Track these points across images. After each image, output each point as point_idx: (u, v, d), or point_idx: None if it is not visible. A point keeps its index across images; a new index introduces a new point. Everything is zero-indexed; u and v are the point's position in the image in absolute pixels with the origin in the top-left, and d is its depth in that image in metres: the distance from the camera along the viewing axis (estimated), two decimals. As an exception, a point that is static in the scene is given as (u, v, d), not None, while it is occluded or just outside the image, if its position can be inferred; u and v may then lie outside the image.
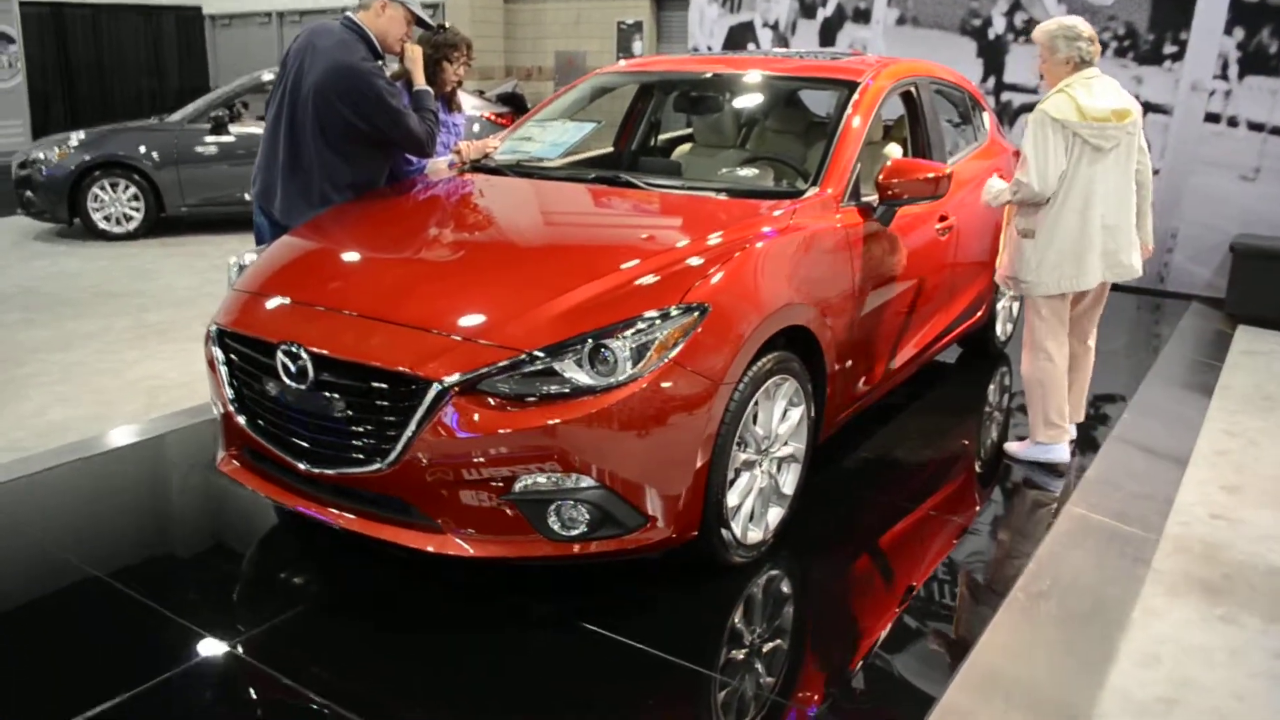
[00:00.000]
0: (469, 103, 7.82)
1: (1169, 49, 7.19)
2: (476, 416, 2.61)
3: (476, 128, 8.87)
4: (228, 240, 8.81)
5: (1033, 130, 3.70)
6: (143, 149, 8.97)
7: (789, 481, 3.26)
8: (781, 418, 3.15)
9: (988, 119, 5.18)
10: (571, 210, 3.72)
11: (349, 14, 3.96)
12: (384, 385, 2.70)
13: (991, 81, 7.86)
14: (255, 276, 3.24)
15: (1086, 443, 4.28)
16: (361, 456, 2.76)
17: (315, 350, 2.77)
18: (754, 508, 3.10)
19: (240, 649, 2.68)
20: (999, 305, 5.25)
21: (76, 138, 9.09)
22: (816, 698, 2.59)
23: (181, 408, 4.62)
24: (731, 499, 2.96)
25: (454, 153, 4.25)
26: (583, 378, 2.65)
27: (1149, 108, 3.83)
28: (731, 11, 9.09)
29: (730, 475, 2.93)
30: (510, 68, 15.10)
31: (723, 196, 3.54)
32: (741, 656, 2.76)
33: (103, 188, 8.89)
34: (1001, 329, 5.37)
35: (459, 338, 2.71)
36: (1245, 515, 3.80)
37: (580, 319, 2.72)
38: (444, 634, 2.79)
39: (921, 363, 4.41)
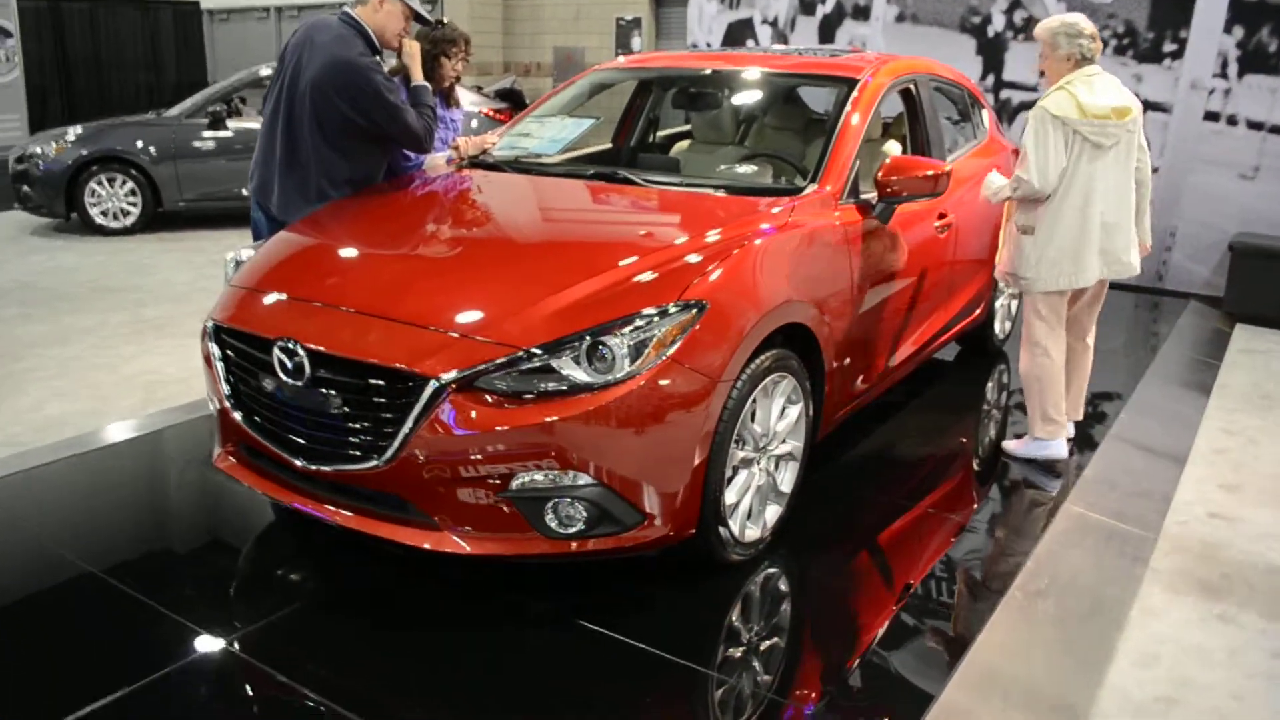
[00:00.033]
0: (467, 98, 7.80)
1: (1168, 47, 7.18)
2: (474, 414, 2.60)
3: (475, 123, 8.85)
4: (225, 235, 8.79)
5: (1033, 127, 3.70)
6: (140, 144, 8.95)
7: (787, 479, 3.25)
8: (780, 415, 3.14)
9: (987, 116, 5.17)
10: (569, 207, 3.71)
11: (347, 9, 3.95)
12: (381, 382, 2.69)
13: (991, 79, 7.85)
14: (252, 272, 3.23)
15: (1084, 441, 4.27)
16: (358, 453, 2.75)
17: (312, 346, 2.76)
18: (752, 505, 3.09)
19: (236, 646, 2.67)
20: (997, 303, 5.24)
21: (74, 132, 9.07)
22: (814, 696, 2.59)
23: (178, 403, 4.61)
24: (729, 497, 2.95)
25: (452, 148, 4.24)
26: (580, 375, 2.64)
27: (1148, 106, 3.83)
28: (730, 8, 9.08)
29: (728, 473, 2.92)
30: (509, 63, 15.08)
31: (721, 193, 3.53)
32: (739, 654, 2.76)
33: (100, 183, 8.87)
34: (1000, 327, 5.37)
35: (456, 334, 2.70)
36: (1244, 514, 3.80)
37: (578, 316, 2.71)
38: (441, 631, 2.79)
39: (920, 360, 4.41)
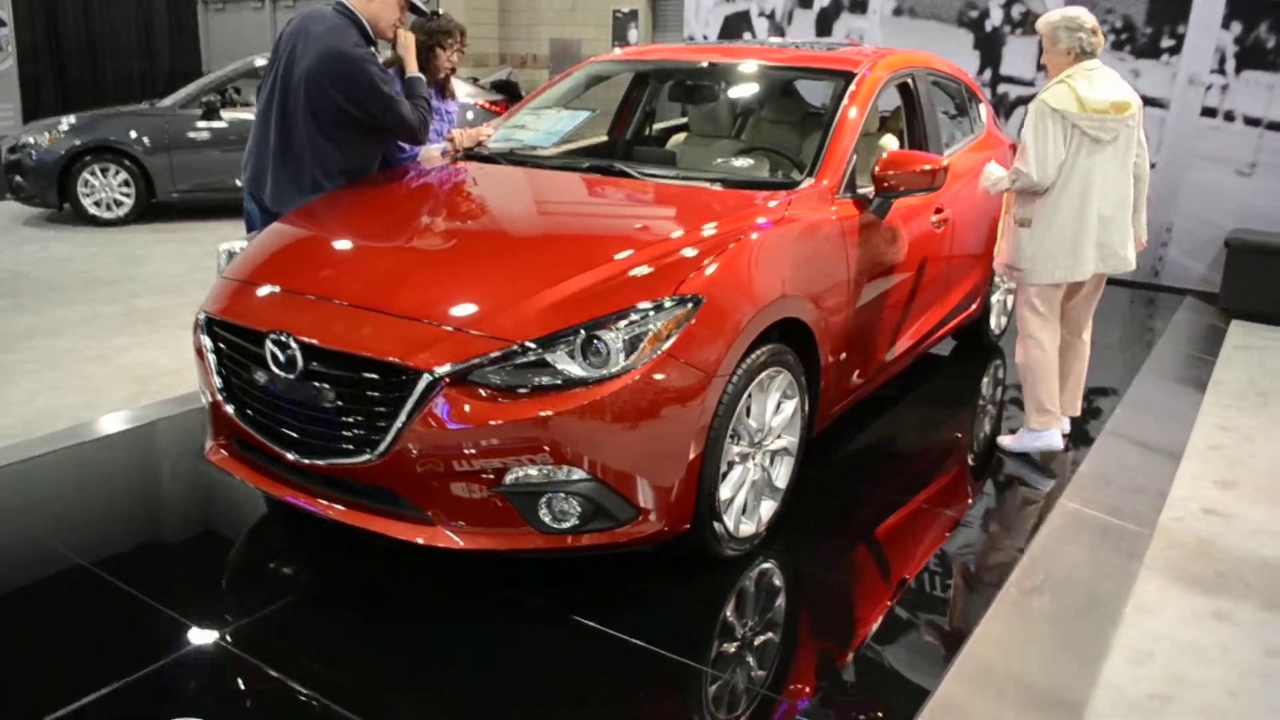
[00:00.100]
0: (462, 90, 7.77)
1: (1166, 42, 7.17)
2: (467, 408, 2.58)
3: (470, 115, 8.82)
4: (219, 226, 8.75)
5: (1032, 120, 3.69)
6: (134, 134, 8.90)
7: (782, 474, 3.24)
8: (775, 410, 3.13)
9: (984, 111, 5.16)
10: (565, 199, 3.69)
11: (342, -1, 3.92)
12: (374, 375, 2.68)
13: (988, 73, 7.83)
14: (244, 264, 3.21)
15: (1080, 437, 4.27)
16: (351, 447, 2.73)
17: (304, 339, 2.74)
18: (747, 501, 3.08)
19: (228, 640, 2.66)
20: (994, 298, 5.24)
21: (67, 122, 9.02)
22: (808, 691, 2.58)
23: (171, 395, 4.59)
24: (724, 492, 2.94)
25: (447, 140, 4.22)
26: (575, 369, 2.62)
27: (1146, 101, 3.81)
28: (728, 1, 9.04)
29: (723, 468, 2.90)
30: (504, 55, 15.02)
31: (717, 187, 3.51)
32: (733, 650, 2.75)
33: (93, 173, 8.82)
34: (996, 322, 5.37)
35: (450, 328, 2.68)
36: (1239, 510, 3.80)
37: (573, 310, 2.69)
38: (434, 626, 2.77)
39: (916, 355, 4.40)
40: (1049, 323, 3.94)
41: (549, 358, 2.62)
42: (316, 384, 2.75)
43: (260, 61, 9.09)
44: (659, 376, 2.66)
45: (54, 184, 8.73)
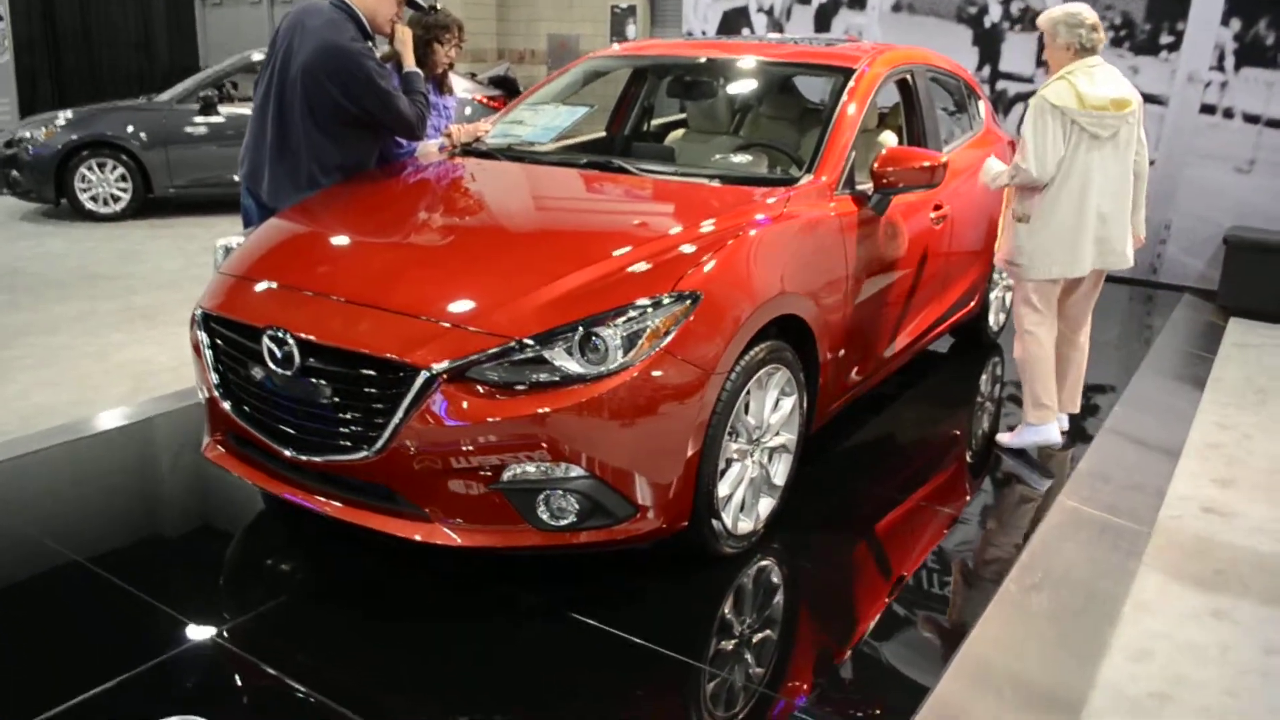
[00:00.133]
0: (460, 85, 7.74)
1: (1165, 39, 7.16)
2: (465, 404, 2.57)
3: (468, 111, 8.80)
4: (216, 222, 8.73)
5: (1032, 116, 3.69)
6: (131, 129, 8.87)
7: (780, 472, 3.24)
8: (774, 407, 3.12)
9: (983, 107, 5.15)
10: (563, 195, 3.68)
11: (339, -7, 3.90)
12: (371, 372, 2.67)
13: (987, 70, 7.81)
14: (242, 260, 3.19)
15: (1079, 434, 4.26)
16: (348, 444, 2.72)
17: (302, 336, 2.73)
18: (745, 498, 3.07)
19: (225, 637, 2.65)
20: (992, 295, 5.23)
21: (64, 117, 8.99)
22: (806, 688, 2.57)
23: (168, 392, 4.57)
24: (722, 489, 2.93)
25: (445, 136, 4.20)
26: (573, 366, 2.61)
27: (1145, 98, 3.80)
28: (726, -4, 9.02)
29: (721, 465, 2.90)
30: (502, 50, 14.98)
31: (716, 183, 3.50)
32: (731, 647, 2.74)
33: (90, 168, 8.79)
34: (994, 319, 5.36)
35: (448, 324, 2.67)
36: (1237, 509, 3.79)
37: (571, 306, 2.68)
38: (432, 623, 2.76)
39: (914, 352, 4.39)
40: (1046, 318, 3.94)
41: (547, 354, 2.61)
42: (314, 380, 2.74)
43: (257, 56, 9.07)
44: (657, 373, 2.65)
45: (51, 179, 8.70)
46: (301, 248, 3.29)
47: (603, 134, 4.89)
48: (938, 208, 4.14)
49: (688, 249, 2.92)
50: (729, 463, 2.96)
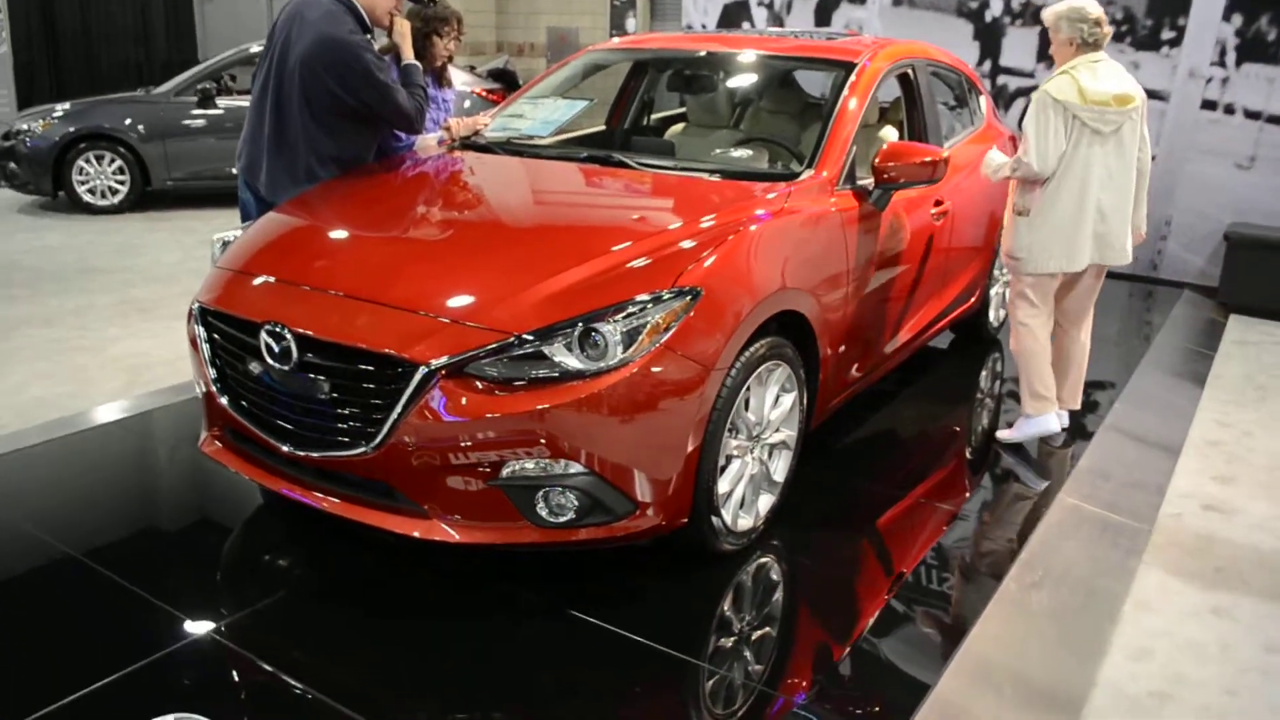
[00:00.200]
0: (459, 78, 7.70)
1: (1167, 35, 7.14)
2: (464, 400, 2.56)
3: (467, 104, 8.77)
4: (214, 215, 8.71)
5: (1034, 110, 3.69)
6: (128, 121, 8.84)
7: (780, 468, 3.22)
8: (774, 404, 3.10)
9: (984, 103, 5.13)
10: (562, 190, 3.66)
11: (337, -14, 3.87)
12: (369, 367, 2.65)
13: (988, 64, 7.79)
14: (239, 254, 3.18)
15: (1079, 431, 4.25)
16: (346, 439, 2.70)
17: (299, 331, 2.72)
18: (744, 495, 3.06)
19: (223, 634, 2.63)
20: (992, 291, 5.22)
21: (61, 109, 8.95)
22: (805, 686, 2.56)
23: (164, 386, 4.56)
24: (722, 486, 2.92)
25: (444, 129, 4.18)
26: (572, 362, 2.60)
27: (1146, 94, 3.79)
28: (726, -10, 8.99)
29: (721, 462, 2.88)
30: (502, 43, 14.95)
31: (716, 178, 3.49)
32: (730, 645, 2.73)
33: (88, 160, 8.75)
34: (994, 315, 5.34)
35: (446, 320, 2.66)
36: (1238, 506, 3.78)
37: (570, 302, 2.66)
38: (431, 621, 2.75)
39: (914, 348, 4.38)
40: (1041, 311, 3.95)
41: (546, 350, 2.59)
42: (311, 375, 2.72)
43: (256, 49, 9.03)
44: (657, 369, 2.63)
45: (48, 171, 8.66)
46: (299, 242, 3.27)
47: (602, 128, 4.87)
48: (938, 203, 4.13)
49: (688, 244, 2.90)
50: (729, 459, 2.95)
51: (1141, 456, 4.23)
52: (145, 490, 3.66)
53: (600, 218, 3.40)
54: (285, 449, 2.82)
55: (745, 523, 3.07)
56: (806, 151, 3.64)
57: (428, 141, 4.16)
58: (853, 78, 3.81)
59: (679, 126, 4.82)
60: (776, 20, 8.71)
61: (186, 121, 8.97)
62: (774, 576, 3.11)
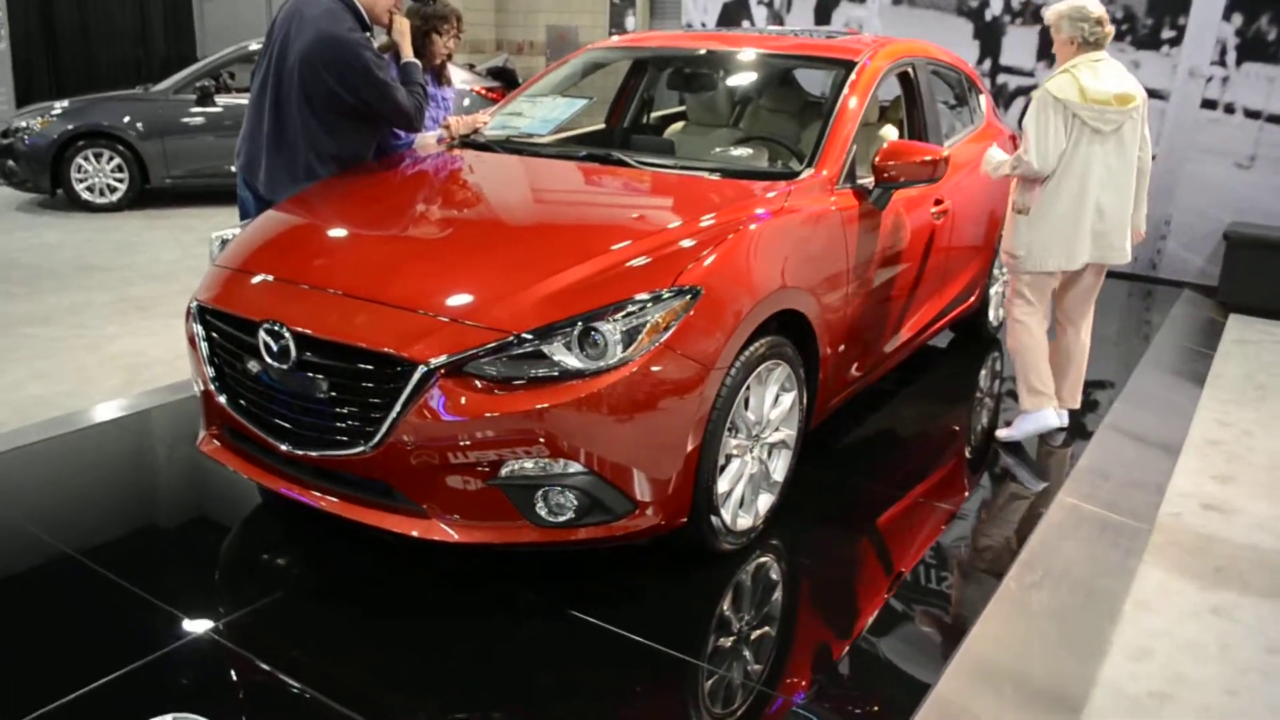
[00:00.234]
0: (459, 76, 7.69)
1: (1167, 34, 7.13)
2: (463, 399, 2.55)
3: (466, 102, 8.76)
4: (213, 213, 8.70)
5: (1035, 108, 3.70)
6: (127, 119, 8.83)
7: (780, 468, 3.22)
8: (773, 403, 3.10)
9: (984, 101, 5.12)
10: (562, 188, 3.65)
11: (337, -18, 3.86)
12: (368, 366, 2.64)
13: (988, 63, 7.78)
14: (238, 252, 3.17)
15: (1078, 431, 4.25)
16: (345, 438, 2.70)
17: (298, 329, 2.71)
18: (744, 494, 3.06)
19: (222, 633, 2.63)
20: (992, 290, 5.21)
21: (60, 107, 8.94)
22: (804, 685, 2.56)
23: (162, 384, 4.55)
24: (722, 485, 2.91)
25: (443, 127, 4.17)
26: (572, 361, 2.59)
27: (1146, 93, 3.81)
28: (726, -12, 8.98)
29: (721, 461, 2.88)
30: (501, 41, 14.93)
31: (716, 177, 3.48)
32: (729, 644, 2.72)
33: (86, 158, 8.74)
34: (994, 314, 5.34)
35: (446, 318, 2.65)
36: (1238, 506, 3.78)
37: (570, 301, 2.65)
38: (430, 620, 2.75)
39: (914, 347, 4.37)
40: (1037, 309, 3.96)
41: (545, 349, 2.59)
42: (310, 374, 2.71)
43: (255, 46, 9.01)
44: (657, 369, 2.63)
45: (47, 169, 8.65)
46: (298, 240, 3.27)
47: (602, 126, 4.86)
48: (938, 202, 4.12)
49: (687, 243, 2.89)
50: (728, 459, 2.94)
51: (1141, 456, 4.23)
52: (143, 489, 3.65)
53: (600, 216, 3.40)
54: (284, 448, 2.81)
55: (744, 522, 3.06)
56: (806, 150, 3.64)
57: (427, 140, 4.15)
58: (853, 76, 3.81)
59: (679, 125, 4.80)
60: (776, 18, 8.70)
61: (185, 119, 8.96)
62: (773, 576, 3.10)
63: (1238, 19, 6.87)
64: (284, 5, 3.95)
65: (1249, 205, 6.96)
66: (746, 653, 2.69)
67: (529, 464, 2.59)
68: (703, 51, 4.45)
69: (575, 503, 2.64)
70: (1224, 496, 3.85)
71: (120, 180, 8.88)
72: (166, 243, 7.76)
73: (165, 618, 2.68)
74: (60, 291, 6.27)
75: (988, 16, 7.74)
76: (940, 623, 2.89)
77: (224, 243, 3.35)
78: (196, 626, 2.65)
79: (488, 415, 2.54)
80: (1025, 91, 7.58)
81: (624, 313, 2.64)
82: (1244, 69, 6.91)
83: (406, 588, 2.90)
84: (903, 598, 2.96)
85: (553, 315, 2.62)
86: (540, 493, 2.63)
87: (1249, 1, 6.83)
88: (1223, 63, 6.97)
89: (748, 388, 2.92)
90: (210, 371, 2.99)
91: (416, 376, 2.56)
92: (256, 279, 3.00)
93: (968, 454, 4.13)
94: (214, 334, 2.99)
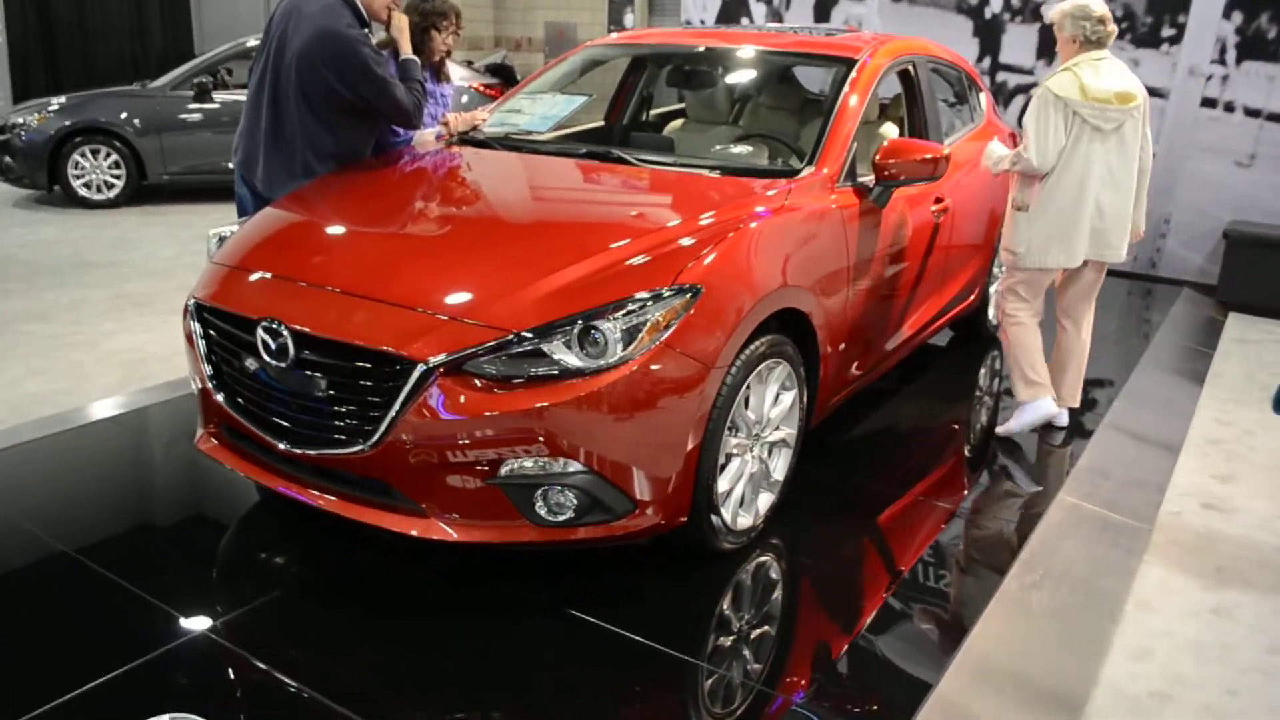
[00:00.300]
0: (457, 73, 7.66)
1: (1167, 32, 7.12)
2: (462, 398, 2.54)
3: (465, 99, 8.74)
4: (211, 210, 8.67)
5: (1036, 106, 3.70)
6: (124, 115, 8.80)
7: (780, 467, 3.21)
8: (774, 402, 3.09)
9: (984, 99, 5.11)
10: (561, 186, 3.64)
11: (335, -22, 3.84)
12: (367, 364, 2.63)
13: (988, 61, 7.77)
14: (235, 249, 3.15)
15: (1078, 430, 4.24)
16: (343, 437, 2.68)
17: (296, 327, 2.69)
18: (744, 493, 3.05)
19: (219, 632, 2.61)
20: (992, 289, 5.20)
21: (57, 103, 8.91)
22: (803, 685, 2.55)
23: (159, 381, 4.53)
24: (722, 484, 2.90)
25: (441, 124, 4.15)
26: (572, 359, 2.58)
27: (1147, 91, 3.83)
28: (725, -15, 8.96)
29: (721, 460, 2.86)
30: (500, 38, 14.92)
31: (716, 175, 3.47)
32: (729, 644, 2.71)
33: (83, 154, 8.72)
34: (994, 312, 5.32)
35: (445, 317, 2.64)
36: (1239, 505, 3.77)
37: (570, 299, 2.64)
38: (430, 620, 2.73)
39: (914, 346, 4.37)
40: (1030, 306, 3.98)
41: (545, 348, 2.57)
42: (308, 372, 2.70)
43: (252, 42, 8.99)
44: (657, 367, 2.62)
45: (43, 165, 8.63)
46: (296, 238, 3.25)
47: (601, 123, 4.84)
48: (939, 200, 4.11)
49: (687, 241, 2.88)
50: (728, 458, 2.93)
51: (1141, 455, 4.22)
52: (141, 487, 3.63)
53: (599, 214, 3.38)
54: (282, 446, 2.80)
55: (745, 521, 3.05)
56: (807, 148, 3.62)
57: (426, 137, 4.13)
58: (853, 74, 3.79)
59: (678, 122, 4.79)
60: (775, 16, 8.69)
61: (183, 115, 8.94)
62: (773, 575, 3.09)
63: (1238, 17, 6.87)
64: (282, 1, 3.93)
65: (1249, 204, 6.95)
66: (746, 652, 2.68)
67: (528, 463, 2.58)
68: (702, 49, 4.43)
69: (575, 502, 2.63)
70: (1224, 495, 3.85)
71: (117, 177, 8.85)
72: (163, 239, 7.74)
73: (162, 617, 2.67)
74: (57, 288, 6.25)
75: (987, 14, 7.73)
76: (940, 622, 2.88)
77: (221, 240, 3.33)
78: (194, 625, 2.63)
79: (487, 414, 2.53)
80: (1025, 89, 7.57)
81: (624, 311, 2.63)
82: (1244, 67, 6.91)
83: (405, 587, 2.89)
84: (903, 597, 2.95)
85: (552, 314, 2.60)
86: (540, 492, 2.62)
87: (1249, 0, 6.82)
88: (1223, 61, 6.96)
89: (748, 386, 2.91)
90: (208, 369, 2.98)
91: (415, 375, 2.54)
92: (254, 276, 2.98)
93: (968, 453, 4.13)
94: (212, 332, 2.98)
